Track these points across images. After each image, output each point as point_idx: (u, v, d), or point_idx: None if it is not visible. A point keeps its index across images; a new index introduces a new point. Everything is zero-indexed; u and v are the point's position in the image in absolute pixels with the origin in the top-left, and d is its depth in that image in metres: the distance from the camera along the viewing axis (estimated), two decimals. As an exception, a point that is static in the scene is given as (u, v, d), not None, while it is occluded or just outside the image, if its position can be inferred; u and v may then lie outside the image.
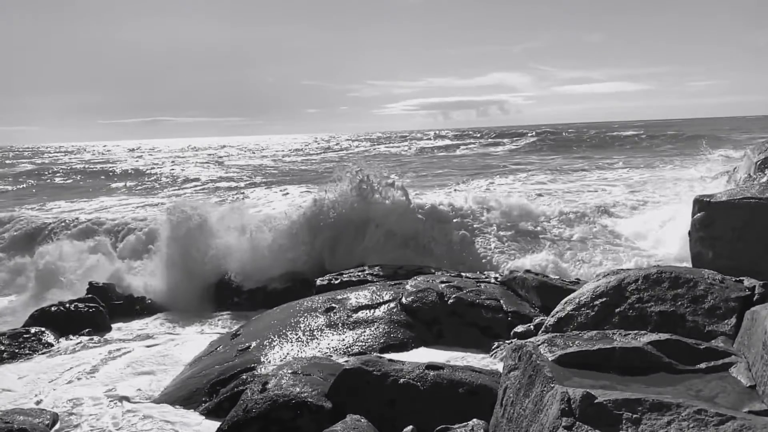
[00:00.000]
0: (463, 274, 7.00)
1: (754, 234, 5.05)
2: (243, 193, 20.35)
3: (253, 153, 52.88)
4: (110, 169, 34.37)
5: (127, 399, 4.90)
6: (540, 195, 13.32)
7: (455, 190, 12.74)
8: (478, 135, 59.32)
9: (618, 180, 12.11)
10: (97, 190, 24.57)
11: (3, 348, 6.51)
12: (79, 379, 5.49)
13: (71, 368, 5.79)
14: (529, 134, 51.26)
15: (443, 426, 3.14)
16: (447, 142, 53.24)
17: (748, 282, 3.57)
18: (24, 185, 27.36)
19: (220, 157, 47.74)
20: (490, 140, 50.39)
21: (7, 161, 48.10)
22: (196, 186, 24.76)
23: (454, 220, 10.35)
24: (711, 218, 5.24)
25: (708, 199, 5.31)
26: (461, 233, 9.89)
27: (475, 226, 10.21)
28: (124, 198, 21.24)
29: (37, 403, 4.96)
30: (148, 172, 31.90)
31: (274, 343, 5.24)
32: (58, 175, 32.19)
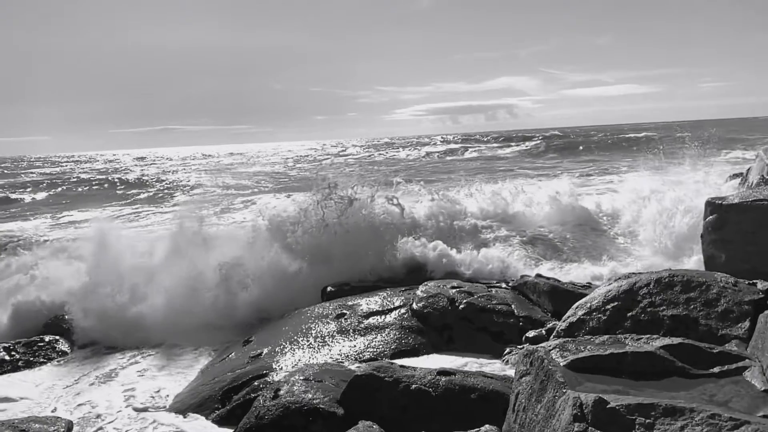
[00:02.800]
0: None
1: (767, 237, 5.00)
2: (251, 200, 20.49)
3: (260, 160, 53.21)
4: (122, 178, 34.74)
5: (141, 406, 4.95)
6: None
7: (460, 192, 10.95)
8: (485, 139, 59.26)
9: (624, 183, 11.94)
10: (109, 198, 24.82)
11: (18, 356, 6.59)
12: (93, 386, 5.56)
13: (85, 375, 5.85)
14: (536, 138, 51.14)
15: (455, 432, 3.14)
16: (453, 146, 53.25)
17: (761, 285, 3.54)
18: (37, 195, 27.71)
19: (229, 164, 48.10)
20: (497, 144, 50.33)
21: (21, 171, 48.78)
22: (204, 193, 24.93)
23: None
24: (723, 221, 5.20)
25: (720, 202, 5.27)
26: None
27: (483, 237, 8.93)
28: (135, 207, 21.44)
29: (53, 410, 5.03)
30: (157, 180, 32.20)
31: (286, 350, 5.27)
32: (69, 184, 32.59)
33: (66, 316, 7.41)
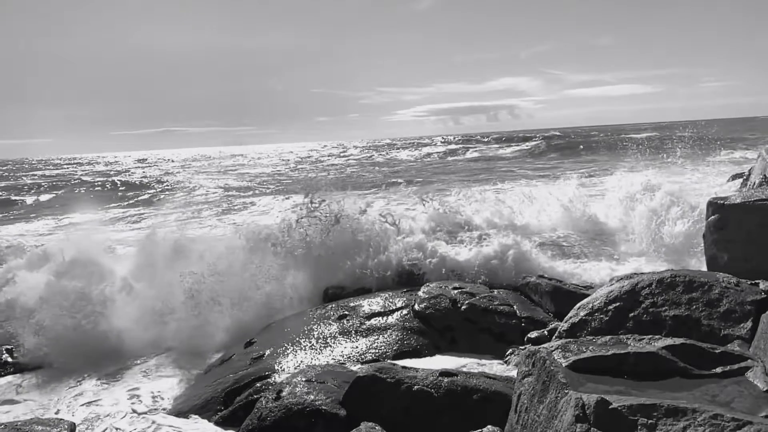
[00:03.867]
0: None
1: (768, 236, 4.99)
2: (252, 201, 20.53)
3: (262, 161, 53.31)
4: (123, 180, 34.81)
5: (143, 408, 4.96)
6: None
7: (459, 199, 10.12)
8: (486, 140, 59.35)
9: (624, 184, 11.84)
10: (110, 200, 24.88)
11: (21, 358, 6.60)
12: (96, 387, 5.57)
13: (88, 377, 5.86)
14: (537, 138, 51.23)
15: (458, 433, 3.14)
16: (454, 146, 53.34)
17: (764, 285, 3.55)
18: (39, 198, 27.78)
19: (231, 165, 48.20)
20: (497, 145, 50.41)
21: (23, 174, 48.90)
22: (206, 195, 24.98)
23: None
24: (725, 221, 5.19)
25: (722, 202, 5.26)
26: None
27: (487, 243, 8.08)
28: (136, 209, 21.48)
29: (56, 412, 5.04)
30: (158, 181, 32.27)
31: (288, 351, 5.27)
32: (71, 186, 32.67)
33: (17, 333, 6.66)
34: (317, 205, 8.02)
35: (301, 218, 7.89)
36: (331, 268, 7.37)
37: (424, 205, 9.51)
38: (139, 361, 6.23)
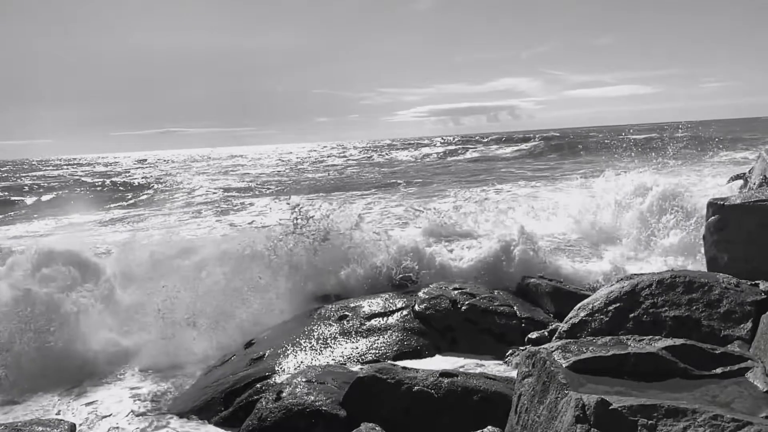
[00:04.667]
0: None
1: (768, 237, 4.99)
2: (251, 202, 20.53)
3: (262, 162, 53.35)
4: (123, 180, 34.82)
5: (143, 409, 4.96)
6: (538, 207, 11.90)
7: (456, 205, 9.77)
8: (485, 140, 59.46)
9: (612, 186, 11.70)
10: (110, 201, 24.88)
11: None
12: (96, 388, 5.57)
13: (89, 377, 5.86)
14: (535, 138, 51.34)
15: (458, 433, 3.14)
16: (453, 147, 53.41)
17: (764, 285, 3.56)
18: (39, 198, 27.77)
19: (230, 166, 48.24)
20: (496, 145, 50.50)
21: (23, 174, 48.90)
22: (206, 196, 24.98)
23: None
24: (725, 221, 5.19)
25: (722, 203, 5.27)
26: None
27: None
28: (136, 209, 21.48)
29: (57, 413, 5.04)
30: (158, 182, 32.28)
31: (288, 352, 5.27)
32: (71, 187, 32.67)
33: None
34: (305, 222, 7.51)
35: (287, 235, 7.40)
36: (321, 281, 7.08)
37: (418, 217, 9.27)
38: (138, 362, 6.22)
